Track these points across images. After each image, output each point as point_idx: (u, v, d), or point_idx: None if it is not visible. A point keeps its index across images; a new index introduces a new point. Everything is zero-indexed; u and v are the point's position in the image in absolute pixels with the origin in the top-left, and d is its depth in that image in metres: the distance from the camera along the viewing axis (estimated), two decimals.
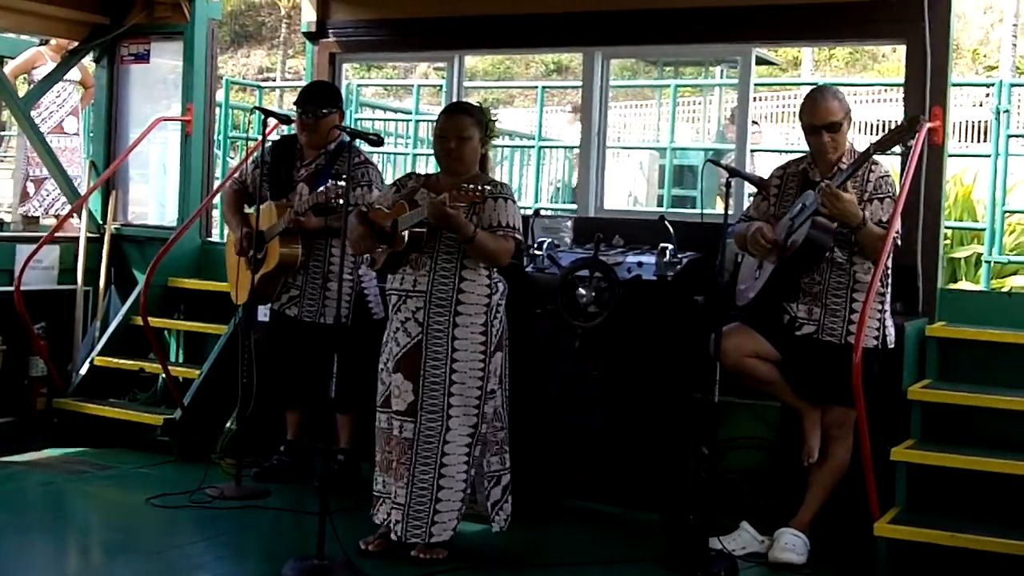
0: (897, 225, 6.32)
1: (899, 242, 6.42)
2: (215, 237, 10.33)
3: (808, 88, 8.21)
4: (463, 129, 6.33)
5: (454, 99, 8.70)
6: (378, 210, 6.34)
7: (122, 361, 9.20)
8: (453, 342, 6.21)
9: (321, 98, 7.78)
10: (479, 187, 5.95)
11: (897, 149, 6.68)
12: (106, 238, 9.91)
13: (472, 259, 6.21)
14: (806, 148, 6.74)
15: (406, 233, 6.15)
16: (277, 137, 8.23)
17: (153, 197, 10.24)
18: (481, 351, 6.26)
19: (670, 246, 7.32)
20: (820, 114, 6.49)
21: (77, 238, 9.80)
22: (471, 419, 6.26)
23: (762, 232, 6.42)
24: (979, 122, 23.72)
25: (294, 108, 7.86)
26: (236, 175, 8.16)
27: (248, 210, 7.88)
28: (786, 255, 6.38)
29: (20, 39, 11.96)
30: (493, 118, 6.52)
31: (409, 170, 12.51)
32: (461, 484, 6.26)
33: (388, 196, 6.45)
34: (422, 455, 6.20)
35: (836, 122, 6.46)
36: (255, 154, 8.07)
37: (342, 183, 7.10)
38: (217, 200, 10.42)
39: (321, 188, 7.30)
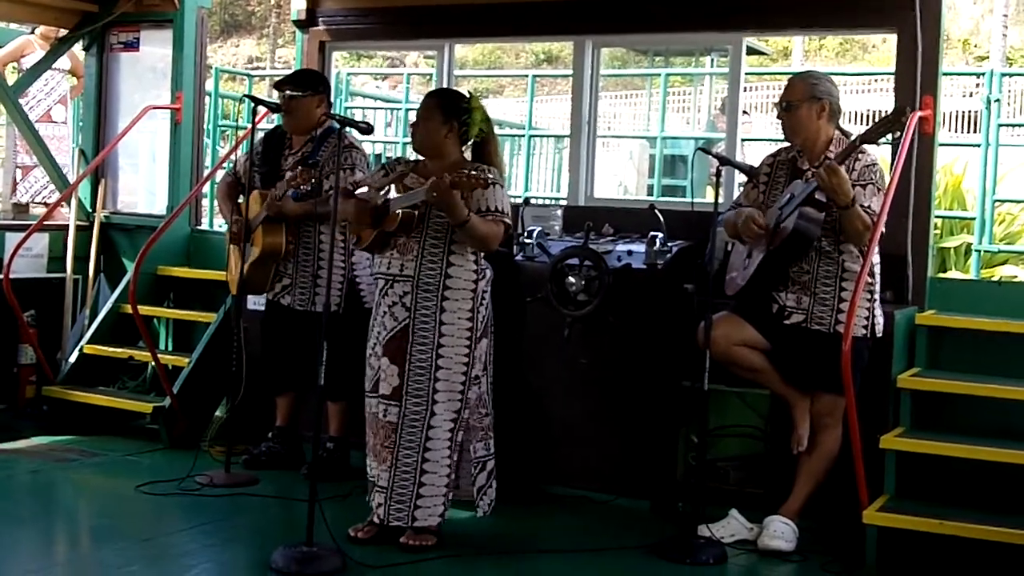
0: (884, 214, 6.31)
1: (884, 229, 6.41)
2: (204, 225, 10.32)
3: None
4: (424, 109, 6.42)
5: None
6: (368, 190, 6.35)
7: (111, 349, 9.18)
8: (440, 327, 6.21)
9: (297, 81, 7.80)
10: (481, 175, 5.97)
11: (888, 138, 6.68)
12: (95, 226, 9.89)
13: (460, 244, 6.21)
14: None
15: (399, 213, 6.14)
16: (270, 127, 8.23)
17: (143, 185, 10.22)
18: (467, 337, 6.26)
19: (660, 235, 7.33)
20: (784, 93, 6.59)
21: (66, 226, 9.79)
22: (455, 404, 6.26)
23: (753, 218, 6.42)
24: (969, 112, 23.73)
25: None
26: (229, 166, 8.15)
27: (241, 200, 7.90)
28: (774, 245, 6.38)
29: (9, 27, 11.94)
30: (478, 105, 6.44)
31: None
32: (445, 470, 6.27)
33: (377, 178, 6.46)
34: (406, 439, 6.21)
35: (792, 103, 6.49)
36: (253, 144, 8.08)
37: (310, 168, 7.16)
38: (207, 189, 10.42)
39: (291, 173, 7.34)
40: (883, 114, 6.45)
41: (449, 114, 6.35)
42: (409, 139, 6.77)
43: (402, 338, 6.24)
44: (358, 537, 6.32)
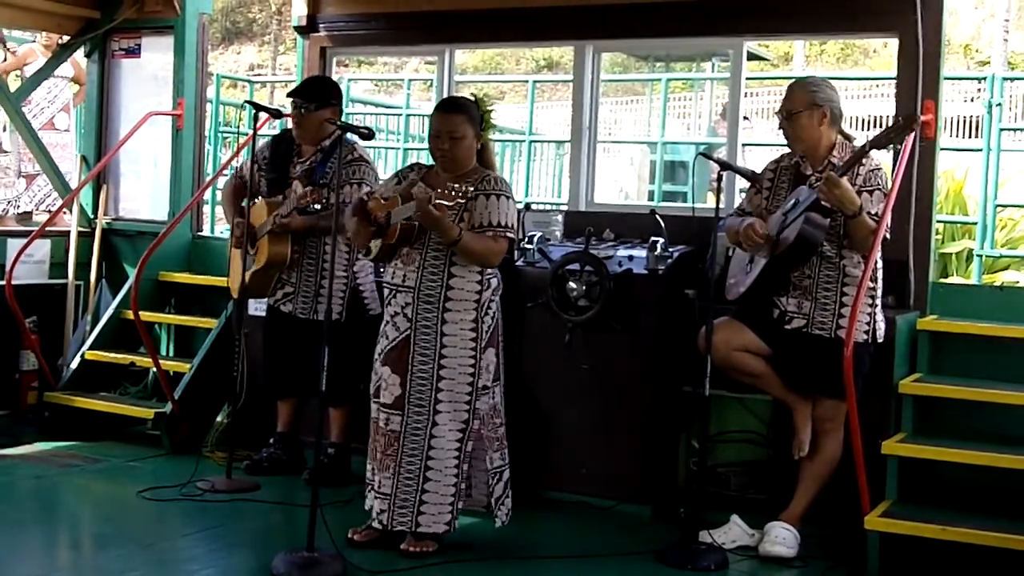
0: (887, 219, 6.32)
1: (888, 235, 6.42)
2: (206, 231, 10.33)
3: None
4: (455, 128, 6.27)
5: (445, 94, 8.69)
6: (376, 200, 6.33)
7: (113, 355, 9.19)
8: (442, 338, 6.19)
9: (310, 92, 7.76)
10: (463, 187, 5.93)
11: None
12: (97, 232, 9.90)
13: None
14: None
15: (398, 226, 6.14)
16: (278, 131, 8.22)
17: (144, 192, 10.22)
18: (471, 347, 6.24)
19: (661, 240, 7.33)
20: (783, 102, 6.57)
21: (68, 232, 9.80)
22: (462, 414, 6.24)
23: (754, 228, 6.41)
24: (971, 117, 23.74)
25: (288, 101, 7.88)
26: (236, 168, 8.14)
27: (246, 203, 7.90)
28: (778, 251, 6.37)
29: (12, 35, 11.95)
30: (489, 109, 6.47)
31: (399, 166, 12.51)
32: (451, 479, 6.24)
33: (389, 186, 6.44)
34: (409, 448, 6.20)
35: (792, 112, 6.48)
36: (256, 147, 8.08)
37: (319, 189, 7.14)
38: (208, 195, 10.42)
39: (302, 191, 7.32)
40: (885, 119, 6.44)
41: (476, 127, 6.33)
42: (420, 147, 6.69)
43: (403, 348, 6.23)
44: (355, 540, 6.32)
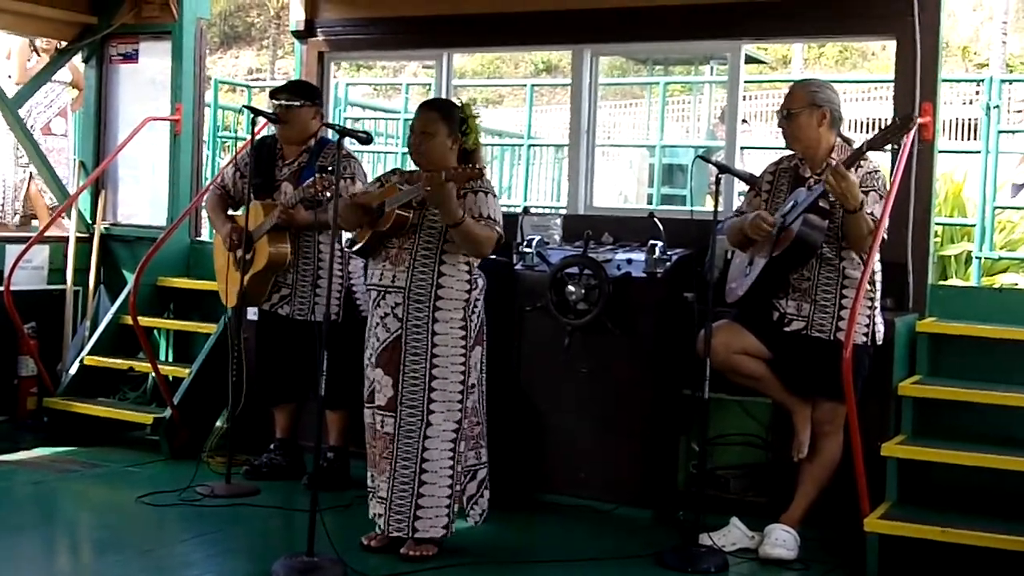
0: (885, 221, 6.31)
1: (886, 236, 6.41)
2: (204, 237, 10.31)
3: None
4: (427, 124, 6.34)
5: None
6: (365, 193, 6.37)
7: (112, 360, 9.19)
8: (433, 337, 6.21)
9: (293, 91, 7.78)
10: (475, 167, 6.02)
11: (888, 145, 6.67)
12: (95, 238, 9.90)
13: (451, 254, 6.22)
14: None
15: (393, 213, 6.15)
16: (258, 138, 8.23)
17: (143, 197, 10.21)
18: (461, 346, 6.26)
19: (660, 243, 7.33)
20: (784, 101, 6.59)
21: (66, 238, 9.79)
22: (454, 414, 6.26)
23: (763, 217, 6.39)
24: (969, 120, 23.73)
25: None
26: (218, 180, 8.14)
27: (233, 213, 7.88)
28: (778, 250, 6.37)
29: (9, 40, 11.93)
30: (473, 114, 6.48)
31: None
32: (447, 480, 6.25)
33: (373, 189, 6.47)
34: (403, 450, 6.21)
35: (792, 110, 6.49)
36: (239, 156, 8.07)
37: (329, 175, 7.11)
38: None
39: (308, 180, 7.31)
40: (884, 122, 6.44)
41: (452, 126, 6.36)
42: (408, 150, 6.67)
43: (395, 349, 6.24)
44: (371, 546, 6.34)
